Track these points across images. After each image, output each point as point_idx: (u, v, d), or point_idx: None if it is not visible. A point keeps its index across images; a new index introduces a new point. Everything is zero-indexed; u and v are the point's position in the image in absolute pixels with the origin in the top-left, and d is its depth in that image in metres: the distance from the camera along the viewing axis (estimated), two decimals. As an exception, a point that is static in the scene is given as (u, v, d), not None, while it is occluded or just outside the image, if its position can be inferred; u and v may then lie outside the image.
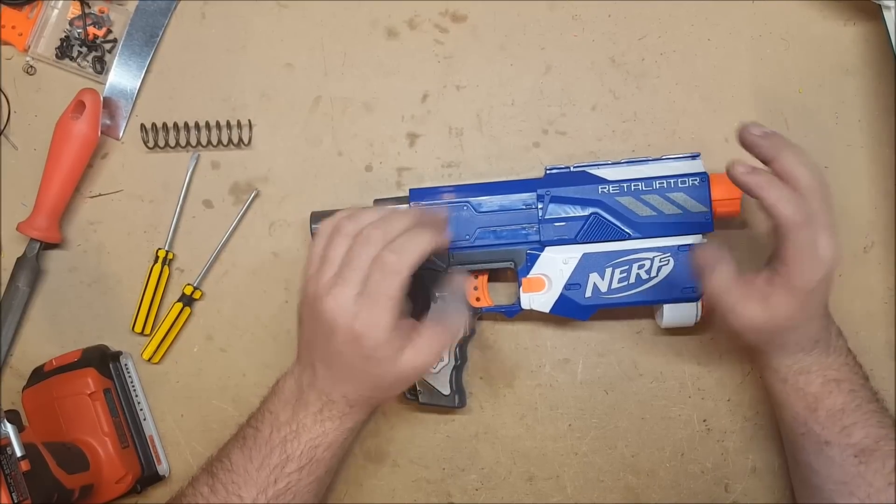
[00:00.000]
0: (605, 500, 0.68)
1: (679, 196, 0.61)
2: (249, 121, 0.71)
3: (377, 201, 0.66)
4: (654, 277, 0.62)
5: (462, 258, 0.64)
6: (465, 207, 0.63)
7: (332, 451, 0.57)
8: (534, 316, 0.65)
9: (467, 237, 0.63)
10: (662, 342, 0.68)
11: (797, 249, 0.52)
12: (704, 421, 0.68)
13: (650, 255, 0.62)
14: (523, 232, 0.63)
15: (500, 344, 0.69)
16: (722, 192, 0.61)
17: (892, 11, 0.63)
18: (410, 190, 0.65)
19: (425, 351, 0.54)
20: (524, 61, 0.71)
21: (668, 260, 0.61)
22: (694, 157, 0.62)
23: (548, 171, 0.64)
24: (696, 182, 0.61)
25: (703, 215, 0.61)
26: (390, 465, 0.70)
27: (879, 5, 0.64)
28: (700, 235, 0.61)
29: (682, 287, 0.61)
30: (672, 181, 0.61)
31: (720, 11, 0.69)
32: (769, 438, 0.68)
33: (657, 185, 0.61)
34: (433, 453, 0.70)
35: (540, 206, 0.63)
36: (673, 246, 0.62)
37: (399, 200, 0.65)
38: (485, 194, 0.63)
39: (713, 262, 0.54)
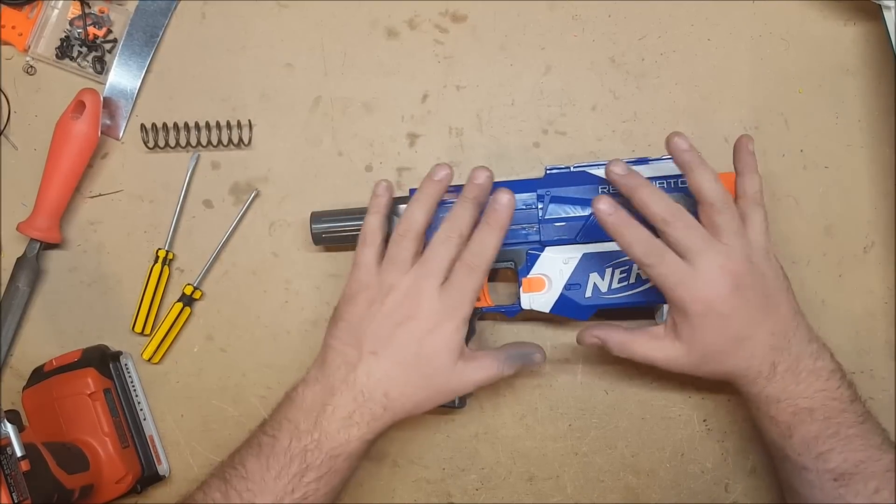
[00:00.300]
0: (606, 500, 0.68)
1: (679, 197, 0.61)
2: (249, 121, 0.71)
3: None
4: None
5: None
6: None
7: (351, 462, 0.56)
8: (534, 316, 0.65)
9: None
10: (662, 342, 0.68)
11: (663, 281, 0.54)
12: (704, 421, 0.68)
13: None
14: (523, 232, 0.63)
15: (500, 344, 0.69)
16: None
17: (892, 11, 0.63)
18: (411, 190, 0.65)
19: (483, 370, 0.57)
20: (524, 61, 0.71)
21: None
22: None
23: (548, 171, 0.64)
24: None
25: None
26: (390, 465, 0.70)
27: (879, 5, 0.64)
28: None
29: None
30: (672, 182, 0.61)
31: (720, 11, 0.69)
32: (769, 438, 0.68)
33: (657, 186, 0.61)
34: (433, 453, 0.70)
35: (540, 206, 0.63)
36: None
37: (399, 200, 0.65)
38: None
39: (601, 336, 0.59)
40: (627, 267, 0.62)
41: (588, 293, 0.62)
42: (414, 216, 0.57)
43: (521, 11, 0.71)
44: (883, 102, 0.68)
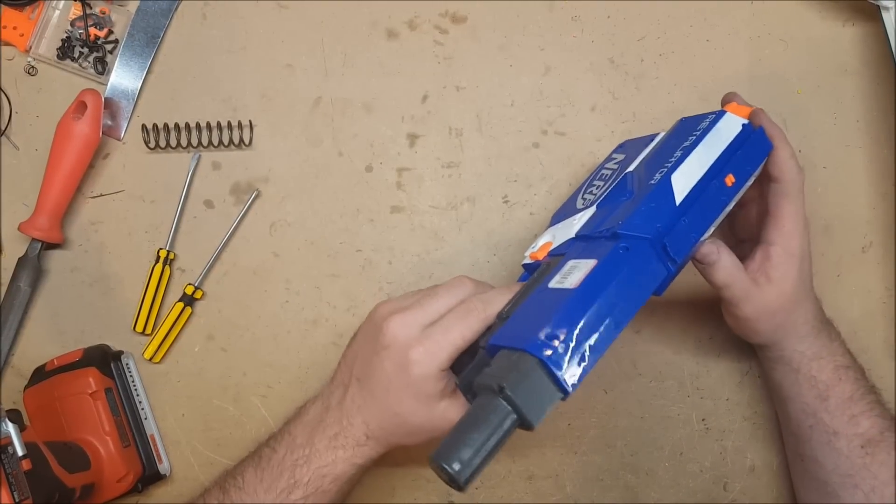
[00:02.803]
0: (605, 499, 0.69)
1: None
2: (250, 121, 0.71)
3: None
4: None
5: None
6: None
7: (338, 485, 0.55)
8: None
9: None
10: (661, 341, 0.69)
11: (794, 212, 0.55)
12: (703, 420, 0.68)
13: None
14: None
15: (499, 343, 0.69)
16: None
17: (891, 12, 0.63)
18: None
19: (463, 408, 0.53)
20: (523, 62, 0.71)
21: None
22: None
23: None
24: None
25: None
26: (390, 464, 0.70)
27: (878, 6, 0.64)
28: None
29: None
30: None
31: (719, 12, 0.70)
32: (767, 437, 0.68)
33: None
34: (433, 452, 0.70)
35: None
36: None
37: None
38: None
39: (714, 254, 0.53)
40: None
41: None
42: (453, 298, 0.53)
43: (521, 12, 0.71)
44: (881, 103, 0.68)
